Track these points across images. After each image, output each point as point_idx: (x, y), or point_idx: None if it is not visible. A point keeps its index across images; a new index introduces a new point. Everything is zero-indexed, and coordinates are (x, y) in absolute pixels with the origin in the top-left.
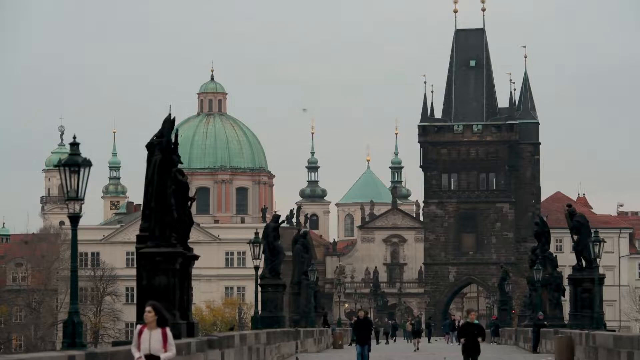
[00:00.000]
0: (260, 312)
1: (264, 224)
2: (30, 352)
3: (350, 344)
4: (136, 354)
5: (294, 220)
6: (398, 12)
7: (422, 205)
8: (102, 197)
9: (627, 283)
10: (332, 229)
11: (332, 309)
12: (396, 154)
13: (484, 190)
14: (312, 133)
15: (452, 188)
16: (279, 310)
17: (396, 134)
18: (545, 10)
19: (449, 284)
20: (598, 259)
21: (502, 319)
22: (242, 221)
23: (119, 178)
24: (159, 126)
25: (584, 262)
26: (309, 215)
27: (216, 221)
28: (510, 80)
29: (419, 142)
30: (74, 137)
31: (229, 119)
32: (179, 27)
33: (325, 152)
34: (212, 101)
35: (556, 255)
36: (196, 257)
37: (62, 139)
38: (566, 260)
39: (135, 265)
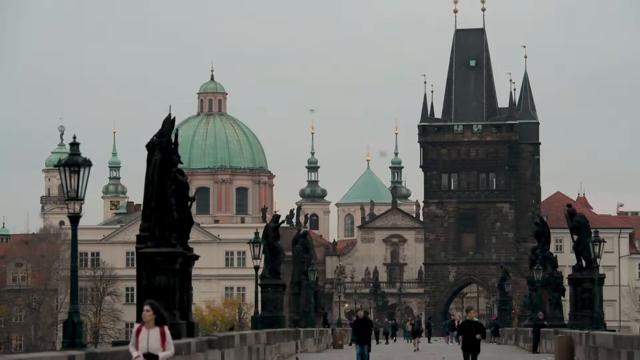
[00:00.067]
0: (260, 312)
1: (264, 224)
2: (30, 352)
3: (350, 344)
4: (134, 353)
5: (294, 220)
6: (398, 12)
7: (422, 205)
8: (102, 197)
9: (627, 283)
10: (332, 229)
11: (332, 309)
12: (396, 154)
13: (484, 190)
14: (312, 133)
15: (452, 188)
16: (279, 310)
17: (396, 134)
18: (545, 10)
19: (449, 284)
20: (598, 259)
21: (502, 319)
22: (242, 221)
23: (119, 178)
24: (159, 126)
25: (584, 262)
26: (309, 215)
27: (216, 221)
28: (510, 80)
29: (419, 142)
30: (74, 137)
31: (229, 119)
32: (179, 27)
33: (325, 152)
34: (212, 101)
35: (556, 255)
36: (196, 257)
37: (62, 139)
38: (566, 260)
39: (135, 265)
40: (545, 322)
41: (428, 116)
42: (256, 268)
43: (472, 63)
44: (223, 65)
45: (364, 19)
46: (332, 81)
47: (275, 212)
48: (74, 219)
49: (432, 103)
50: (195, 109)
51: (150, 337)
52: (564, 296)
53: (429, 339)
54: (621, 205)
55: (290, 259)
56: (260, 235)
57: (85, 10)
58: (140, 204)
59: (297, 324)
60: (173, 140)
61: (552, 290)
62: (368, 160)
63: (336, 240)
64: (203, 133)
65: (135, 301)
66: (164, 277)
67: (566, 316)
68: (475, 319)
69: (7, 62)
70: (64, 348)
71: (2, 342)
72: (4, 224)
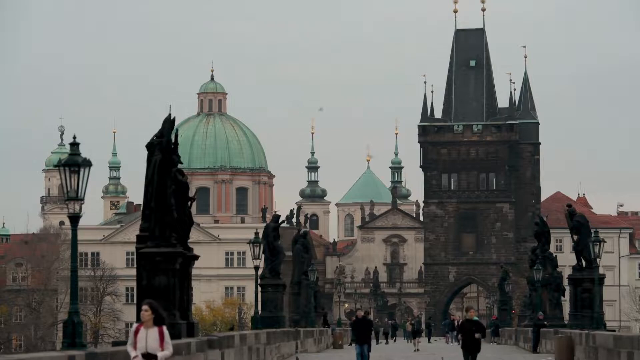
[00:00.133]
0: (260, 312)
1: (264, 224)
2: (30, 352)
3: (350, 344)
4: (132, 353)
5: (294, 220)
6: (398, 12)
7: (422, 205)
8: (102, 197)
9: (627, 283)
10: (332, 229)
11: (332, 309)
12: (396, 154)
13: (484, 190)
14: (312, 133)
15: (452, 188)
16: (279, 310)
17: (396, 134)
18: (545, 10)
19: (449, 284)
20: (598, 259)
21: (502, 319)
22: (242, 221)
23: (119, 178)
24: (159, 126)
25: (584, 262)
26: (309, 215)
27: (216, 221)
28: (510, 80)
29: (419, 142)
30: (74, 137)
31: (229, 119)
32: (179, 27)
33: (325, 152)
34: (212, 101)
35: (556, 255)
36: (196, 257)
37: (62, 139)
38: (566, 260)
39: (135, 265)
40: (545, 322)
41: (428, 116)
42: (256, 268)
43: (472, 63)
44: (223, 65)
45: (364, 19)
46: (332, 81)
47: (275, 212)
48: (74, 219)
49: (432, 103)
50: (195, 109)
51: (149, 337)
52: (564, 296)
53: (429, 339)
54: (621, 205)
55: (290, 259)
56: (260, 235)
57: (85, 10)
58: (140, 204)
59: (297, 324)
60: (173, 140)
61: (552, 290)
62: (368, 160)
63: (336, 240)
64: (203, 133)
65: (135, 301)
66: (164, 277)
67: (566, 316)
68: (475, 318)
69: (7, 62)
70: (64, 348)
71: (2, 342)
72: (4, 224)
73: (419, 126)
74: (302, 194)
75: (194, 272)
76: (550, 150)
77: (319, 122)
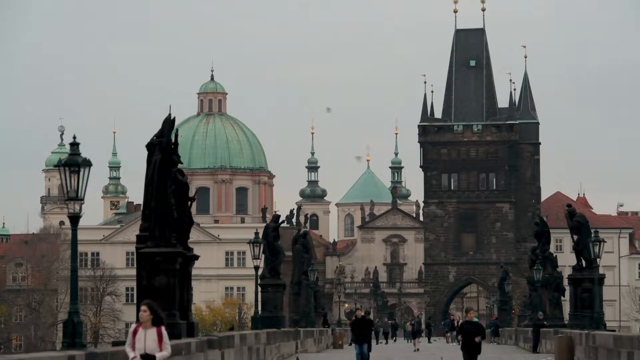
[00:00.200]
0: (260, 312)
1: (264, 224)
2: (30, 352)
3: (350, 344)
4: (131, 354)
5: (294, 220)
6: (398, 12)
7: (422, 205)
8: (102, 197)
9: (627, 283)
10: (332, 229)
11: (332, 309)
12: (396, 154)
13: (484, 190)
14: (312, 133)
15: (452, 188)
16: (279, 310)
17: (396, 134)
18: (545, 10)
19: (449, 284)
20: (598, 259)
21: (502, 319)
22: (242, 221)
23: (119, 178)
24: (159, 126)
25: (584, 262)
26: (309, 215)
27: (216, 221)
28: (510, 80)
29: (419, 142)
30: (74, 137)
31: (229, 119)
32: (179, 27)
33: (325, 152)
34: (212, 101)
35: (556, 255)
36: (196, 257)
37: (62, 139)
38: (566, 260)
39: (135, 265)
40: (545, 322)
41: (428, 116)
42: (256, 268)
43: (472, 63)
44: (223, 65)
45: (364, 19)
46: (332, 81)
47: (275, 212)
48: (74, 219)
49: (432, 103)
50: (195, 109)
51: (147, 338)
52: (564, 296)
53: (429, 339)
54: (621, 205)
55: (290, 259)
56: (260, 235)
57: (85, 10)
58: (140, 204)
59: (297, 324)
60: (173, 140)
61: (552, 290)
62: (368, 160)
63: (336, 240)
64: (203, 133)
65: (135, 301)
66: (164, 277)
67: (566, 316)
68: (475, 320)
69: (7, 62)
70: (64, 348)
71: (2, 342)
72: (4, 224)
73: (419, 126)
74: (302, 194)
75: (194, 272)
76: (550, 150)
77: (319, 122)
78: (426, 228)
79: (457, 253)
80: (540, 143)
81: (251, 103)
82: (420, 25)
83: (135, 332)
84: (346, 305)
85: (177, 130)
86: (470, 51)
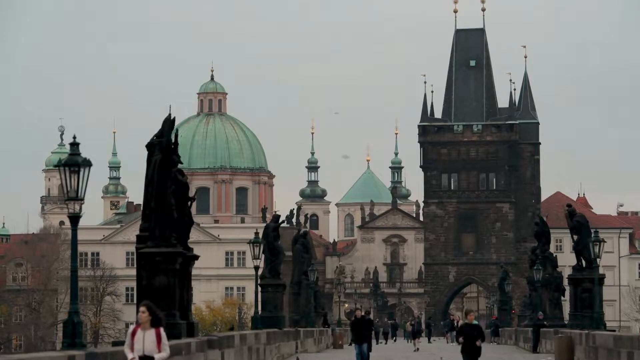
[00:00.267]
0: (260, 312)
1: (264, 224)
2: (30, 352)
3: (350, 344)
4: (129, 355)
5: (294, 220)
6: (398, 12)
7: (422, 205)
8: (102, 197)
9: (627, 283)
10: (332, 229)
11: (332, 309)
12: (396, 154)
13: (484, 190)
14: (312, 133)
15: (452, 188)
16: (279, 310)
17: (396, 134)
18: (545, 10)
19: (449, 284)
20: (598, 259)
21: (502, 319)
22: (242, 221)
23: (119, 178)
24: (159, 126)
25: (584, 262)
26: (309, 215)
27: (216, 221)
28: (510, 80)
29: (419, 142)
30: (74, 137)
31: (229, 119)
32: (179, 27)
33: (325, 152)
34: (212, 101)
35: (556, 255)
36: (196, 257)
37: (62, 139)
38: (566, 260)
39: (135, 265)
40: (545, 322)
41: (428, 116)
42: (256, 268)
43: (472, 63)
44: (223, 65)
45: (364, 19)
46: (332, 81)
47: (275, 212)
48: (74, 219)
49: (432, 103)
50: (195, 109)
51: (146, 339)
52: (564, 296)
53: (429, 339)
54: (621, 205)
55: (290, 259)
56: (260, 235)
57: (85, 10)
58: (140, 204)
59: (297, 324)
60: (173, 140)
61: (552, 290)
62: (368, 160)
63: (336, 240)
64: (203, 133)
65: (135, 301)
66: (164, 277)
67: (566, 316)
68: (475, 322)
69: (7, 62)
70: (64, 348)
71: (2, 342)
72: (4, 224)
73: (419, 126)
74: (302, 194)
75: (194, 272)
76: (550, 150)
77: (319, 122)
78: (426, 228)
79: (457, 253)
80: (540, 143)
81: (251, 103)
82: (420, 25)
83: (134, 333)
84: (346, 305)
85: (177, 130)
86: (470, 51)
